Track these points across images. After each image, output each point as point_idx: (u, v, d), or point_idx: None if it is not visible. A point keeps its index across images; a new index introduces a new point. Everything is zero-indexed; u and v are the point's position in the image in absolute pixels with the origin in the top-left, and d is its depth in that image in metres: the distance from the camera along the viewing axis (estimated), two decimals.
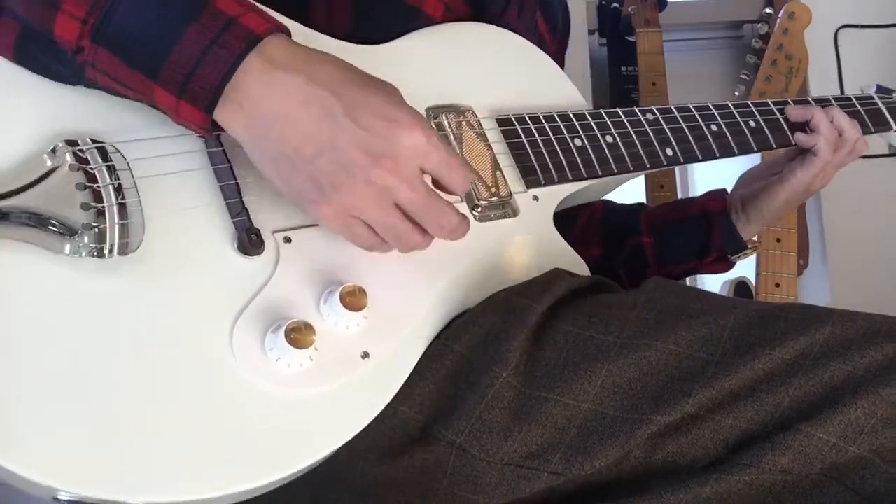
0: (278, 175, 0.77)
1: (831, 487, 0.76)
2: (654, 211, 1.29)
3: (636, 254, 1.24)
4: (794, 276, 1.96)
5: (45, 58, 0.77)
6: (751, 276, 2.02)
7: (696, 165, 2.23)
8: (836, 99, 1.25)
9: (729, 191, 1.26)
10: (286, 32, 0.77)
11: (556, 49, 1.24)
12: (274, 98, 0.75)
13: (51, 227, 0.73)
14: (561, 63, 1.21)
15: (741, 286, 2.11)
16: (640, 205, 1.32)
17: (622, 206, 1.31)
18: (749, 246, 1.22)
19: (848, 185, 2.20)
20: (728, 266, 1.25)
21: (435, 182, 0.81)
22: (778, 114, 1.19)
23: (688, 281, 2.19)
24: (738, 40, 2.31)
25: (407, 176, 0.77)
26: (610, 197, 1.24)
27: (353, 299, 0.79)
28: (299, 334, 0.76)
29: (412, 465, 0.81)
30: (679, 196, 2.08)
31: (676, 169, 2.10)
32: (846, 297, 2.12)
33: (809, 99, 1.23)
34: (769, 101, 1.19)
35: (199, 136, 0.81)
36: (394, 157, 0.76)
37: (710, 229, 1.22)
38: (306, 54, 0.77)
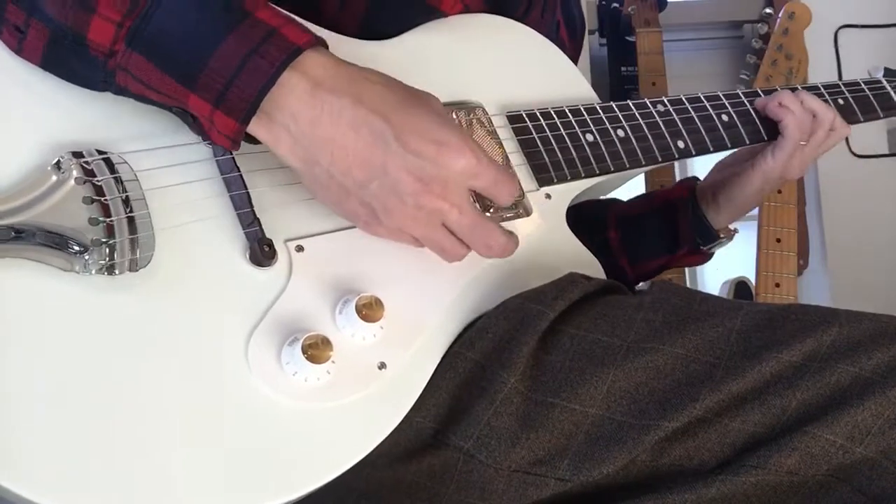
0: (328, 198, 0.79)
1: (838, 488, 0.76)
2: (622, 205, 1.27)
3: (604, 249, 1.21)
4: (794, 276, 1.97)
5: (76, 63, 0.76)
6: (751, 276, 2.02)
7: (696, 165, 2.25)
8: (844, 84, 1.23)
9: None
10: (324, 45, 0.77)
11: (573, 54, 1.23)
12: (322, 121, 0.75)
13: (60, 245, 0.72)
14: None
15: (741, 286, 2.11)
16: (611, 200, 1.29)
17: (595, 202, 1.28)
18: (723, 235, 1.18)
19: (848, 185, 2.22)
20: (704, 257, 1.22)
21: (479, 196, 0.81)
22: None
23: (688, 282, 2.19)
24: (738, 40, 2.31)
25: (456, 200, 0.79)
26: (610, 195, 1.23)
27: (370, 311, 0.78)
28: (316, 350, 0.75)
29: (420, 469, 0.81)
30: None
31: (676, 169, 2.10)
32: (846, 297, 2.13)
33: (818, 84, 1.20)
34: (778, 88, 1.17)
35: (207, 145, 0.80)
36: (443, 182, 0.77)
37: (674, 220, 1.19)
38: (350, 73, 0.76)
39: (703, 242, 1.18)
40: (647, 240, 1.22)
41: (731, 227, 1.20)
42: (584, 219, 1.21)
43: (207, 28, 0.73)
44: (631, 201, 1.27)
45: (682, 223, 1.18)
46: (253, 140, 0.77)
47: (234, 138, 0.75)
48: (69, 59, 0.76)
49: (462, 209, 0.79)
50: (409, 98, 0.78)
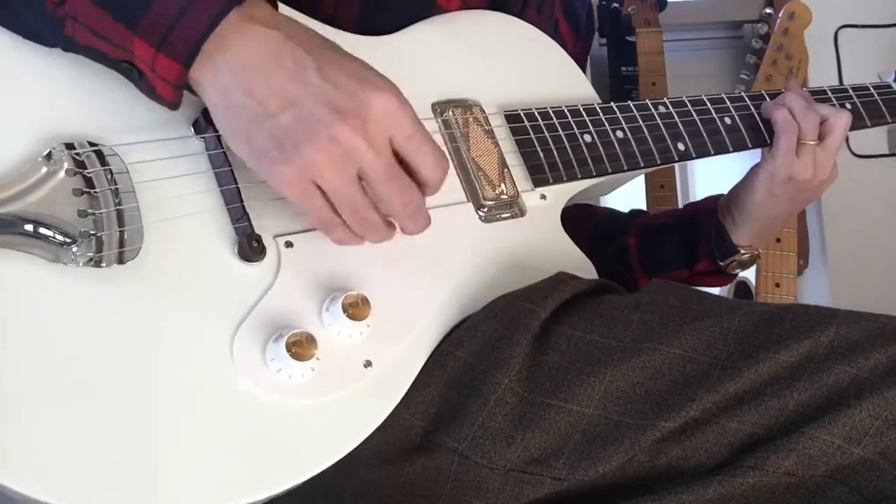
0: (237, 131, 0.75)
1: (835, 489, 0.76)
2: (648, 215, 1.27)
3: (620, 254, 1.21)
4: (794, 276, 1.96)
5: (27, 13, 0.76)
6: (751, 276, 2.02)
7: (696, 165, 2.25)
8: (853, 88, 1.20)
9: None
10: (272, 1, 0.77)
11: (579, 51, 1.21)
12: (246, 48, 0.73)
13: (49, 236, 0.72)
14: (584, 65, 1.19)
15: (741, 286, 2.11)
16: (640, 211, 1.30)
17: (623, 212, 1.28)
18: (743, 251, 1.14)
19: (848, 185, 2.21)
20: (726, 278, 1.19)
21: (404, 166, 0.77)
22: None
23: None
24: (738, 40, 2.31)
25: (374, 140, 0.73)
26: (610, 196, 1.23)
27: (357, 310, 0.78)
28: (300, 347, 0.75)
29: (414, 471, 0.81)
30: (678, 196, 2.07)
31: (676, 168, 2.10)
32: (846, 297, 2.13)
33: (825, 88, 1.18)
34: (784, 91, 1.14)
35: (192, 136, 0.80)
36: (362, 117, 0.73)
37: (697, 229, 1.17)
38: (288, 18, 0.76)
39: (720, 256, 1.15)
40: (663, 249, 1.19)
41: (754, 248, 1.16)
42: (607, 225, 1.21)
43: None
44: (658, 213, 1.28)
45: (703, 233, 1.16)
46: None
47: (176, 83, 0.74)
48: (20, 10, 0.76)
49: (379, 151, 0.73)
50: (342, 50, 0.77)
